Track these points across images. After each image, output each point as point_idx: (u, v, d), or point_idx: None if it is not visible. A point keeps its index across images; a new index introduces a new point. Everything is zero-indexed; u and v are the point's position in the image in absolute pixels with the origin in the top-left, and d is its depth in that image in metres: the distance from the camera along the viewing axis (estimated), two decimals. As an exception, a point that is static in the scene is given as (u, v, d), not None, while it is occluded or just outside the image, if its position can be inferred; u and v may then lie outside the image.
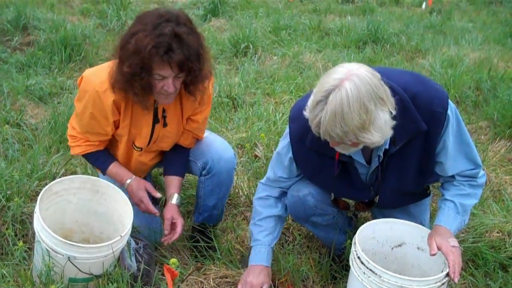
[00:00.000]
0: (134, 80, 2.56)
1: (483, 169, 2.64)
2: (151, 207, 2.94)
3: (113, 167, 3.00)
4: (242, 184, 3.69)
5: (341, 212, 2.90)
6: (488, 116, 4.88)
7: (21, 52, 5.73)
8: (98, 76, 2.70)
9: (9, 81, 5.01)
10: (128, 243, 2.81)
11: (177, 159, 3.06)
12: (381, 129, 2.16)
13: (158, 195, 3.00)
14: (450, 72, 5.53)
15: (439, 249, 2.44)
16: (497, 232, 3.21)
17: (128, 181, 2.95)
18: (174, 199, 2.97)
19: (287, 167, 2.73)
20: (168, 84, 2.56)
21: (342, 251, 3.00)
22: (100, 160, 3.02)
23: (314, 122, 2.17)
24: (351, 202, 2.85)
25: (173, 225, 2.93)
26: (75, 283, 2.69)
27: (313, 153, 2.54)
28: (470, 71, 5.67)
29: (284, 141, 2.68)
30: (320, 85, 2.16)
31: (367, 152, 2.46)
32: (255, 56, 6.01)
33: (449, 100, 2.41)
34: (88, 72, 2.79)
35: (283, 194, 2.83)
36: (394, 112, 2.18)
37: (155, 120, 2.85)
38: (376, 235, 2.68)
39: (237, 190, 3.68)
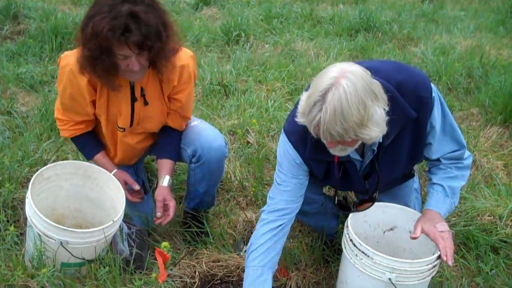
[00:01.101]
0: (95, 63, 2.56)
1: (470, 152, 2.66)
2: (129, 197, 2.98)
3: (99, 158, 3.02)
4: (234, 169, 3.68)
5: (329, 197, 2.91)
6: (479, 102, 4.88)
7: (11, 41, 5.67)
8: (74, 56, 2.69)
9: (0, 70, 4.98)
10: (121, 228, 2.81)
11: (168, 142, 3.04)
12: (378, 124, 2.15)
13: (136, 187, 3.01)
14: (442, 60, 5.52)
15: (427, 235, 2.46)
16: (489, 216, 3.23)
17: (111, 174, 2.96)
18: (165, 181, 2.96)
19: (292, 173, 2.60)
20: (132, 62, 2.56)
21: (334, 235, 3.00)
22: (87, 147, 3.04)
23: (313, 123, 2.13)
24: (352, 201, 2.83)
25: (165, 207, 2.93)
26: (68, 267, 2.69)
27: (313, 161, 2.52)
28: (462, 58, 5.66)
29: (287, 155, 2.56)
30: (315, 86, 2.14)
31: (360, 147, 2.44)
32: (247, 44, 5.98)
33: (431, 83, 2.42)
34: (66, 53, 2.82)
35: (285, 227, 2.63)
36: (387, 109, 2.18)
37: (133, 99, 2.83)
38: (368, 219, 2.69)
39: (229, 176, 3.68)
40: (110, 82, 2.68)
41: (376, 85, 2.16)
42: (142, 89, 2.83)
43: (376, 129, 2.14)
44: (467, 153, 2.61)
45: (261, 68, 5.35)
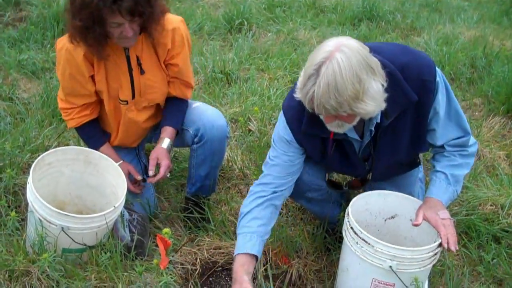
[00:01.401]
0: (87, 33, 2.60)
1: (475, 139, 2.64)
2: (132, 188, 3.01)
3: (104, 149, 3.02)
4: (235, 157, 3.68)
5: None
6: (482, 93, 4.87)
7: (13, 28, 5.65)
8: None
9: (1, 56, 4.96)
10: (122, 214, 2.81)
11: (171, 111, 3.07)
12: (374, 98, 2.14)
13: (139, 177, 3.05)
14: (445, 50, 5.50)
15: (429, 222, 2.45)
16: (491, 205, 3.22)
17: None
18: (164, 142, 2.98)
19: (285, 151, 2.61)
20: (126, 29, 2.60)
21: (336, 224, 3.00)
22: (93, 138, 3.05)
23: (307, 97, 2.14)
24: (344, 180, 2.84)
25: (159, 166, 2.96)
26: (69, 253, 2.69)
27: (309, 136, 2.51)
28: (465, 48, 5.64)
29: (279, 132, 2.59)
30: (310, 60, 2.14)
31: (360, 127, 2.44)
32: (249, 33, 5.96)
33: (436, 67, 2.40)
34: (61, 38, 2.85)
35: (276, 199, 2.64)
36: (385, 85, 2.17)
37: (130, 69, 2.86)
38: (369, 207, 2.69)
39: (230, 164, 3.67)
40: (99, 51, 2.71)
41: (374, 61, 2.15)
42: (138, 58, 2.85)
43: (372, 103, 2.14)
44: (472, 140, 2.58)
45: (263, 57, 5.34)
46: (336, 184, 2.80)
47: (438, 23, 6.74)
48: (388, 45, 2.59)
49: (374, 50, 2.22)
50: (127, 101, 2.93)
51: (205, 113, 3.07)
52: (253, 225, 2.53)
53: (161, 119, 3.10)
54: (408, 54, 2.40)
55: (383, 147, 2.51)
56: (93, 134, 3.06)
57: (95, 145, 3.03)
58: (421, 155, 2.83)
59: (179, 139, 3.11)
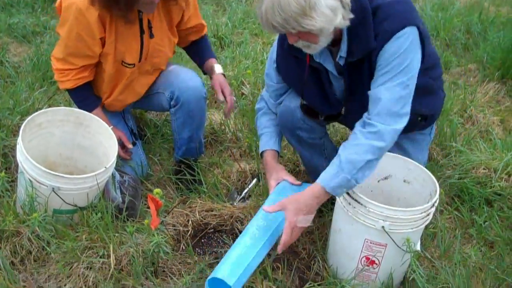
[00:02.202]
0: None
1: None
2: (121, 154, 3.02)
3: (97, 113, 2.99)
4: (228, 121, 3.65)
5: (329, 139, 2.90)
6: (477, 58, 4.85)
7: (3, -9, 5.58)
8: None
9: (-9, 20, 4.91)
10: (113, 176, 2.79)
11: (202, 47, 3.23)
12: (324, 14, 2.16)
13: (130, 146, 3.06)
14: (440, 15, 5.46)
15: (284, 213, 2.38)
16: (484, 169, 3.21)
17: None
18: (217, 68, 3.11)
19: (272, 70, 2.76)
20: None
21: None
22: (87, 101, 3.01)
23: (259, 17, 2.25)
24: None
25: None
26: (60, 214, 2.67)
27: (292, 58, 2.56)
28: (461, 14, 5.60)
29: (273, 46, 2.74)
30: None
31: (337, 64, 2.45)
32: (243, -3, 5.92)
33: (415, 31, 2.30)
34: None
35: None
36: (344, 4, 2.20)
37: (142, 31, 2.85)
38: (363, 168, 2.66)
39: (223, 127, 3.65)
40: (128, 15, 2.72)
41: None
42: (149, 22, 2.86)
43: (321, 19, 2.15)
44: (397, 124, 2.33)
45: (257, 21, 5.27)
46: (312, 111, 2.71)
47: (434, -11, 6.68)
48: None
49: None
50: (134, 64, 2.91)
51: (179, 76, 3.06)
52: (271, 124, 2.81)
53: (158, 82, 3.11)
54: (393, 2, 2.32)
55: (353, 86, 2.47)
56: (87, 96, 3.01)
57: (88, 108, 2.98)
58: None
59: (154, 103, 3.14)
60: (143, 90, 3.09)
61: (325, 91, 2.56)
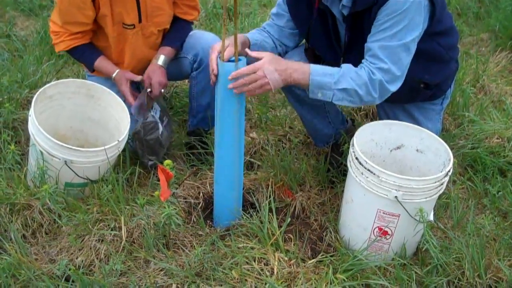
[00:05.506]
0: None
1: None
2: (130, 99, 2.89)
3: (99, 62, 2.94)
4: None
5: (333, 104, 2.83)
6: (489, 28, 4.78)
7: (9, -35, 5.52)
8: None
9: (-3, -6, 4.87)
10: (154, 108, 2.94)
11: (171, 31, 3.05)
12: None
13: (138, 78, 2.94)
14: (451, -16, 5.38)
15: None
16: (497, 138, 3.18)
17: (113, 75, 2.91)
18: (159, 59, 2.94)
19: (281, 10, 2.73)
20: None
21: (326, 145, 3.01)
22: (86, 54, 2.95)
23: None
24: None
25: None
26: (71, 187, 2.67)
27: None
28: (473, -18, 5.52)
29: None
30: None
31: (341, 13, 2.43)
32: (251, -33, 5.83)
33: None
34: None
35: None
36: None
37: None
38: (375, 137, 2.63)
39: (233, 99, 3.61)
40: None
41: None
42: None
43: None
44: (390, 77, 2.33)
45: (265, -9, 5.23)
46: (316, 56, 2.70)
47: (445, -43, 6.57)
48: None
49: None
50: (134, 25, 2.86)
51: (203, 37, 3.04)
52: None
53: None
54: None
55: (353, 37, 2.45)
56: (86, 50, 2.94)
57: (91, 60, 2.94)
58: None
59: (177, 69, 3.06)
60: (152, 55, 3.01)
61: (330, 36, 2.55)
